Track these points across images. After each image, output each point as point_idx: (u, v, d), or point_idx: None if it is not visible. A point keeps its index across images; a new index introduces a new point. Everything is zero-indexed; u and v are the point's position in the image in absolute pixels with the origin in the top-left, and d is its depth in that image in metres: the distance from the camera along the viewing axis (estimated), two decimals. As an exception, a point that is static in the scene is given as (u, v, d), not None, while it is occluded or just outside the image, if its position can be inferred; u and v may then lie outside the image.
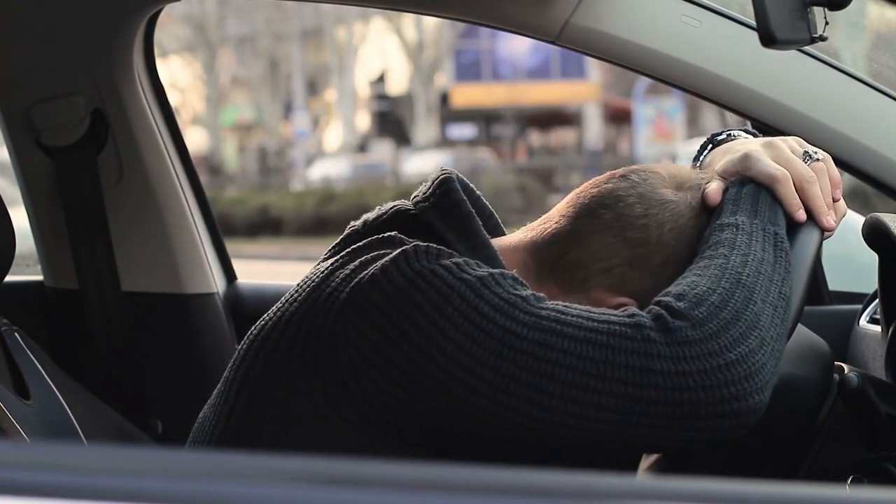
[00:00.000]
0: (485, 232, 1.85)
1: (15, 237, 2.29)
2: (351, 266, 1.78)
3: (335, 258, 1.85)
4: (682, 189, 1.87)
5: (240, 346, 1.86)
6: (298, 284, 1.85)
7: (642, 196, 1.85)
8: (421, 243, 1.76)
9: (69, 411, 2.23)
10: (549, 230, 1.88)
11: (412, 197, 1.90)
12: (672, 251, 1.83)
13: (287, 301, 1.83)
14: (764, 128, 2.44)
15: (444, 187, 1.86)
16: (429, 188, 1.88)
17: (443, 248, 1.75)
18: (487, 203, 1.97)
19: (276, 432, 1.78)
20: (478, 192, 1.95)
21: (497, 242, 1.88)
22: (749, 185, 1.84)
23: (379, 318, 1.71)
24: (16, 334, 2.28)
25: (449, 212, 1.84)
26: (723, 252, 1.76)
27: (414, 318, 1.70)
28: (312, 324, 1.77)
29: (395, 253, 1.75)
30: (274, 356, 1.80)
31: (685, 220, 1.84)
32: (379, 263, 1.75)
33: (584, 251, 1.84)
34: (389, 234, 1.82)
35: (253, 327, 1.86)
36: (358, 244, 1.84)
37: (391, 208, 1.90)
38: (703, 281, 1.72)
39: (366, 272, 1.75)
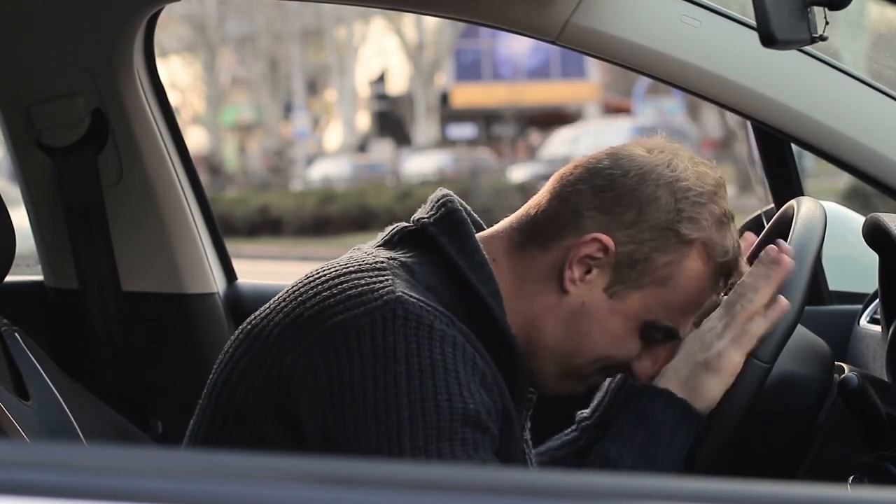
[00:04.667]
0: (483, 251, 1.89)
1: (15, 237, 2.29)
2: (338, 292, 1.82)
3: (327, 270, 1.88)
4: (651, 151, 1.94)
5: (224, 350, 1.91)
6: (288, 291, 1.89)
7: (611, 154, 1.95)
8: (405, 297, 1.78)
9: (68, 412, 2.23)
10: (532, 203, 1.97)
11: (412, 218, 1.94)
12: (632, 192, 1.90)
13: (273, 309, 1.87)
14: (764, 128, 2.44)
15: (446, 206, 1.92)
16: (430, 207, 1.93)
17: (423, 311, 1.78)
18: (478, 217, 2.02)
19: (246, 442, 1.81)
20: (468, 207, 1.99)
21: (487, 232, 1.95)
22: (672, 415, 1.88)
23: (336, 378, 1.76)
24: (16, 334, 2.28)
25: (450, 229, 1.90)
26: None
27: (363, 398, 1.75)
28: (286, 343, 1.81)
29: (374, 305, 1.78)
30: (252, 364, 1.84)
31: (649, 167, 1.91)
32: (358, 311, 1.78)
33: (557, 206, 1.92)
34: (381, 260, 1.86)
35: (238, 330, 1.90)
36: (349, 265, 1.86)
37: (393, 230, 1.94)
38: None
39: (345, 315, 1.78)
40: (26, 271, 3.05)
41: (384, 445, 1.73)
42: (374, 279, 1.82)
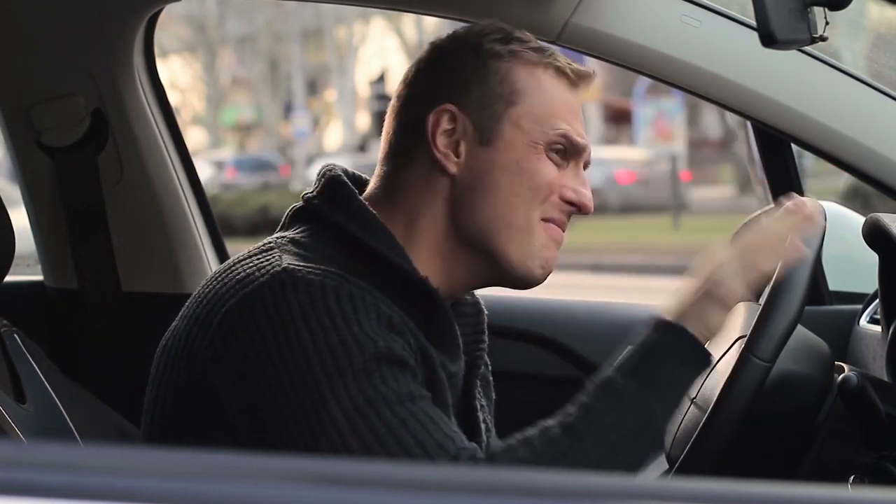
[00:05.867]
0: (369, 208, 1.90)
1: (15, 237, 2.29)
2: (228, 280, 1.84)
3: (223, 265, 1.91)
4: None
5: (152, 368, 1.93)
6: (192, 296, 1.91)
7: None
8: (291, 266, 1.80)
9: (66, 415, 2.23)
10: (382, 143, 2.01)
11: (302, 194, 1.97)
12: (431, 61, 1.97)
13: (180, 317, 1.91)
14: (764, 128, 2.44)
15: (326, 176, 1.95)
16: (315, 181, 1.97)
17: (310, 274, 1.78)
18: (368, 178, 2.03)
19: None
20: (356, 172, 2.02)
21: (365, 193, 1.96)
22: (677, 342, 1.83)
23: (243, 360, 1.78)
24: (15, 335, 2.28)
25: (333, 196, 1.92)
26: (583, 424, 1.79)
27: (273, 370, 1.76)
28: (192, 343, 1.84)
29: (261, 281, 1.79)
30: (171, 375, 1.87)
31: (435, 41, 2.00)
32: (247, 290, 1.80)
33: (396, 123, 1.98)
34: (268, 242, 1.89)
35: (159, 346, 1.93)
36: (241, 255, 1.89)
37: (288, 211, 1.97)
38: (538, 445, 1.78)
39: (236, 298, 1.80)
40: (26, 271, 3.05)
41: (309, 408, 1.73)
42: (260, 260, 1.84)
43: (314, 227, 1.91)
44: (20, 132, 2.86)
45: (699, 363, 1.84)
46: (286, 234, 1.91)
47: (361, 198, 1.93)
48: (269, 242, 1.89)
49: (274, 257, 1.83)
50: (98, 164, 2.85)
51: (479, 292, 2.07)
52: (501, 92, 1.91)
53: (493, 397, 2.11)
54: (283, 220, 1.97)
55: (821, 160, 2.39)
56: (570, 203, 1.93)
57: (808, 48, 2.25)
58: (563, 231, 1.95)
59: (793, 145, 2.61)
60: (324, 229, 1.90)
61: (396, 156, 1.95)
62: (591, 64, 2.33)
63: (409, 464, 1.76)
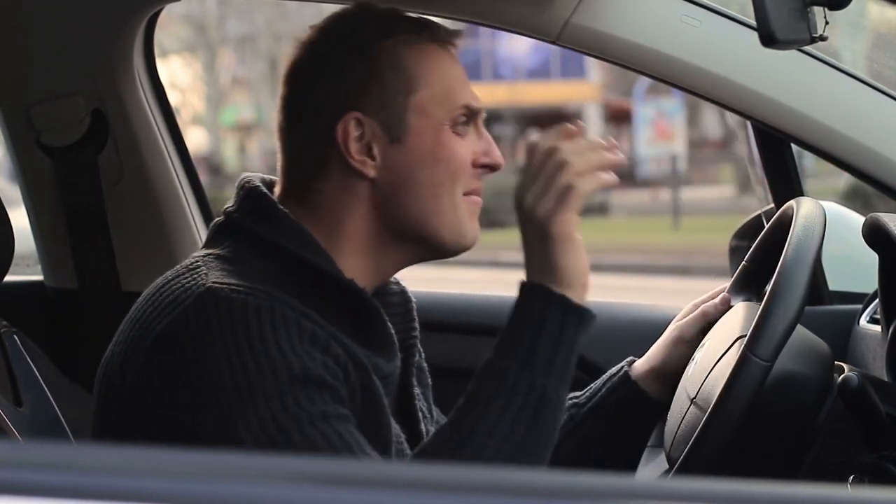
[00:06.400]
0: (292, 217, 1.88)
1: (14, 237, 2.29)
2: (157, 304, 1.83)
3: (152, 285, 1.90)
4: None
5: (94, 392, 1.92)
6: (126, 318, 1.90)
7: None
8: (215, 286, 1.79)
9: (62, 419, 2.23)
10: (281, 164, 1.96)
11: (223, 208, 1.94)
12: (307, 70, 1.92)
13: (115, 342, 1.89)
14: (764, 128, 2.44)
15: (244, 188, 1.92)
16: (234, 193, 1.93)
17: (233, 293, 1.78)
18: None
19: None
20: (274, 179, 1.98)
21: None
22: (545, 307, 1.80)
23: (172, 384, 1.77)
24: (15, 336, 2.28)
25: (254, 208, 1.89)
26: (471, 418, 1.78)
27: (195, 395, 1.76)
28: (126, 367, 1.83)
29: (187, 304, 1.79)
30: (113, 400, 1.86)
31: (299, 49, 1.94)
32: (174, 314, 1.79)
33: (299, 137, 1.92)
34: (195, 260, 1.87)
35: (98, 372, 1.91)
36: (168, 275, 1.88)
37: (211, 227, 1.95)
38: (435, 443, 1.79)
39: (164, 322, 1.80)
40: (26, 271, 3.05)
41: (220, 429, 1.73)
42: (187, 280, 1.83)
43: (238, 241, 1.89)
44: (20, 132, 2.86)
45: (576, 319, 1.80)
46: (212, 250, 1.89)
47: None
48: (196, 261, 1.87)
49: (200, 276, 1.82)
50: (98, 164, 2.85)
51: (489, 293, 2.07)
52: (397, 85, 1.89)
53: (430, 383, 2.10)
54: (209, 234, 1.94)
55: (821, 160, 2.39)
56: (484, 166, 1.93)
57: (808, 48, 2.25)
58: (480, 195, 1.95)
59: (793, 145, 2.61)
60: (247, 242, 1.88)
61: (306, 167, 1.92)
62: (592, 64, 2.33)
63: (408, 464, 1.76)
